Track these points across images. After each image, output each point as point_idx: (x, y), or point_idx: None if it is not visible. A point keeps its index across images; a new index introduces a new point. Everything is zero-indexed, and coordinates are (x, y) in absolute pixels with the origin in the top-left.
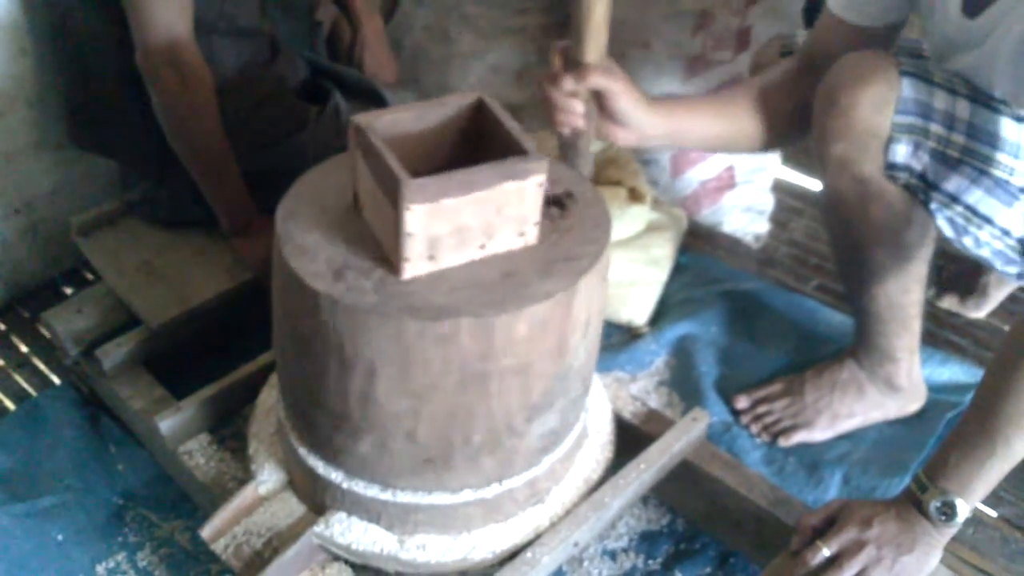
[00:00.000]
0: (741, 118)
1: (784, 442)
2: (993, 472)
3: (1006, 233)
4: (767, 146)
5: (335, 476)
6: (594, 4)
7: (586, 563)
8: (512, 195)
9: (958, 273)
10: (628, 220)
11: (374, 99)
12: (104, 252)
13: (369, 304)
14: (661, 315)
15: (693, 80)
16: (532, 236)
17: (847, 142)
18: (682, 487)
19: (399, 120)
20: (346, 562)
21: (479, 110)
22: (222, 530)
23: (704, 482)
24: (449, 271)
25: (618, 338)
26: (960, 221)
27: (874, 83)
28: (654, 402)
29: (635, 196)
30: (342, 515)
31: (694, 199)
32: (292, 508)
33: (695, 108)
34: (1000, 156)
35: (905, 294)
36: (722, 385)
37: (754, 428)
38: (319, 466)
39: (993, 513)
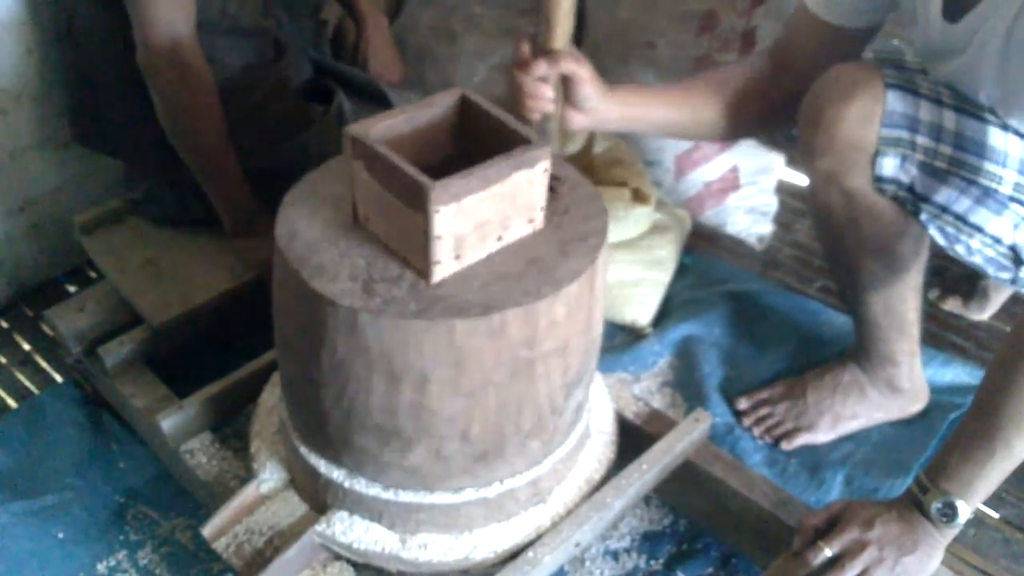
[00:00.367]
0: (700, 108)
1: (786, 445)
2: (994, 473)
3: (997, 241)
4: (726, 136)
5: (337, 475)
6: None
7: (588, 563)
8: (523, 184)
9: (960, 275)
10: (632, 221)
11: (378, 99)
12: (107, 250)
13: (413, 312)
14: (664, 316)
15: None
16: (539, 221)
17: (832, 156)
18: (684, 488)
19: (392, 126)
20: (348, 561)
21: (464, 106)
22: (223, 529)
23: (706, 483)
24: (473, 267)
25: (621, 339)
26: (951, 230)
27: (859, 97)
28: (657, 403)
29: (639, 197)
30: (344, 514)
31: (698, 200)
32: (294, 507)
33: (653, 96)
34: (988, 165)
35: (902, 302)
36: (725, 386)
37: (756, 430)
38: (320, 464)
39: (995, 514)
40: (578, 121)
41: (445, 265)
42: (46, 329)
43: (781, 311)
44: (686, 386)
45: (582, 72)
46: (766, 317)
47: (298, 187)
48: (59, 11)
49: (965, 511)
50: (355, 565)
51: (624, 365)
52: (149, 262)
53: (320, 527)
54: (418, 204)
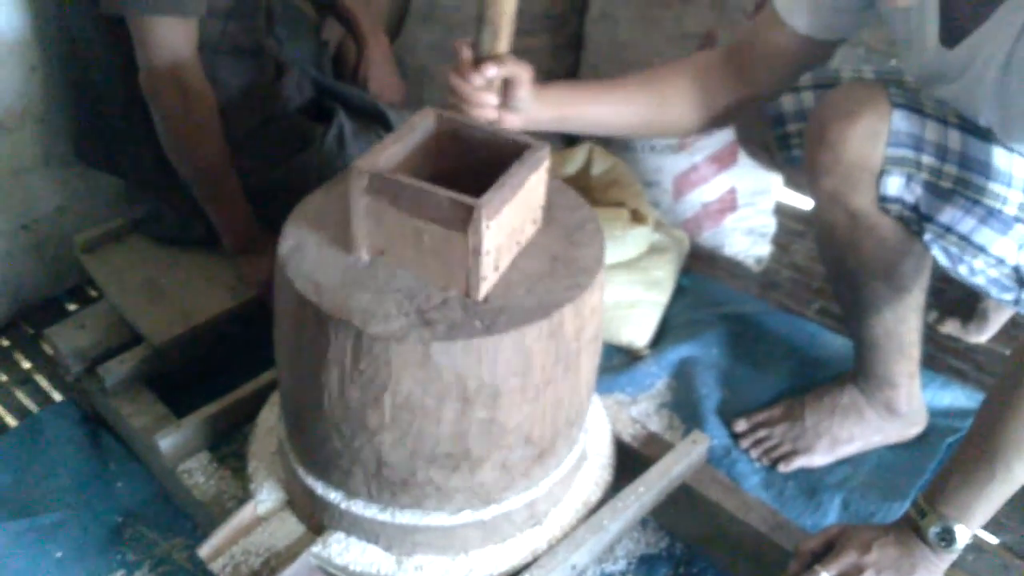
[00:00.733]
0: (640, 106)
1: (784, 468)
2: (993, 498)
3: (1001, 262)
4: (668, 134)
5: (334, 496)
6: None
7: None
8: (535, 186)
9: (959, 298)
10: (630, 242)
11: (378, 119)
12: (108, 269)
13: (481, 330)
14: (662, 337)
15: None
16: (539, 219)
17: (837, 176)
18: (681, 510)
19: (393, 155)
20: None
21: (441, 124)
22: (220, 549)
23: (703, 506)
24: (506, 276)
25: (619, 360)
26: (955, 251)
27: (864, 116)
28: (655, 425)
29: (637, 218)
30: (340, 535)
31: (696, 221)
32: (291, 528)
33: (586, 94)
34: (993, 186)
35: (902, 323)
36: (723, 408)
37: (754, 453)
38: (318, 486)
39: (994, 540)
40: (510, 122)
41: (489, 279)
42: (46, 347)
43: (779, 333)
44: (683, 408)
45: (524, 74)
46: (764, 339)
47: (299, 212)
48: (63, 31)
49: (964, 536)
50: None
51: (621, 386)
52: (150, 281)
53: (316, 548)
54: (462, 224)
